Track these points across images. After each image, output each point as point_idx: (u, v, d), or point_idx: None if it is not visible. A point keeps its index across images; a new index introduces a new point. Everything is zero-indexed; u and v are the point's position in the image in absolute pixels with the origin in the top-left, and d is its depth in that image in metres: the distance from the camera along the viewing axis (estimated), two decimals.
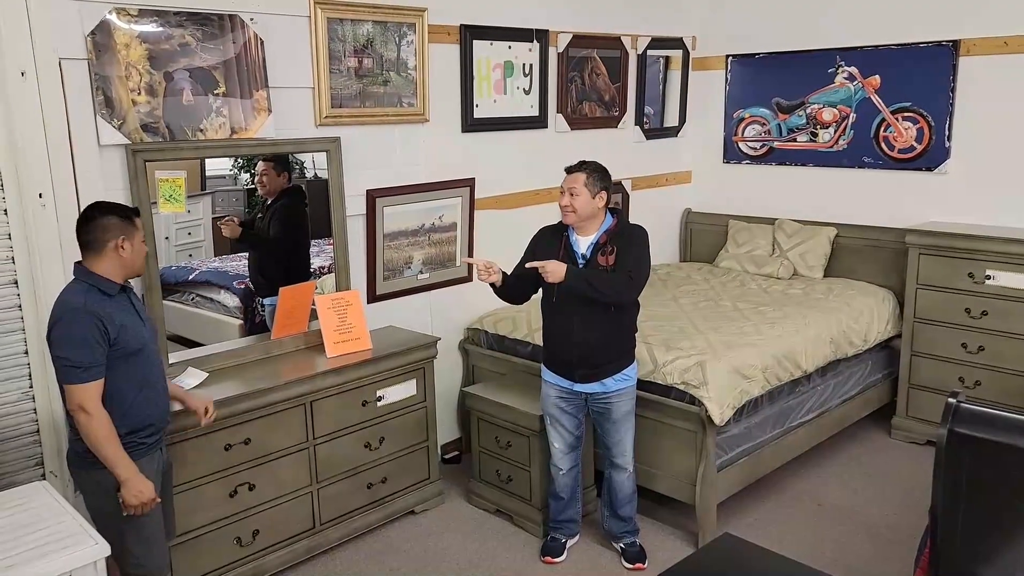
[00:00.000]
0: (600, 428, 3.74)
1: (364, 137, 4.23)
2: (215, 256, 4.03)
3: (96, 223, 2.77)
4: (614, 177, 5.49)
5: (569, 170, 3.56)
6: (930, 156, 5.10)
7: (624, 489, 3.76)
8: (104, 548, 2.39)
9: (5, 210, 3.24)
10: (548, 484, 3.92)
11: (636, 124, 5.76)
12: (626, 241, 3.52)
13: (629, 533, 3.83)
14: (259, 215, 4.05)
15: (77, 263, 2.82)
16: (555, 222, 3.72)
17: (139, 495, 2.75)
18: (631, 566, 3.77)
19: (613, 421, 3.65)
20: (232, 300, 4.04)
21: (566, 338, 3.59)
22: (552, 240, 3.62)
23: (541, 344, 4.39)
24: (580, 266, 3.52)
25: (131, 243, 2.80)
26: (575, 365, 3.60)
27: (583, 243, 3.55)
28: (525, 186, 5.05)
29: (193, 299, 3.95)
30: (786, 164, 5.79)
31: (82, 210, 2.88)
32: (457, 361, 4.92)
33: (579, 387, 3.63)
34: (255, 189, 3.99)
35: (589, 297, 3.43)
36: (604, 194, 3.53)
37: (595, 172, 3.53)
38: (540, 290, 3.69)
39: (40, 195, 3.25)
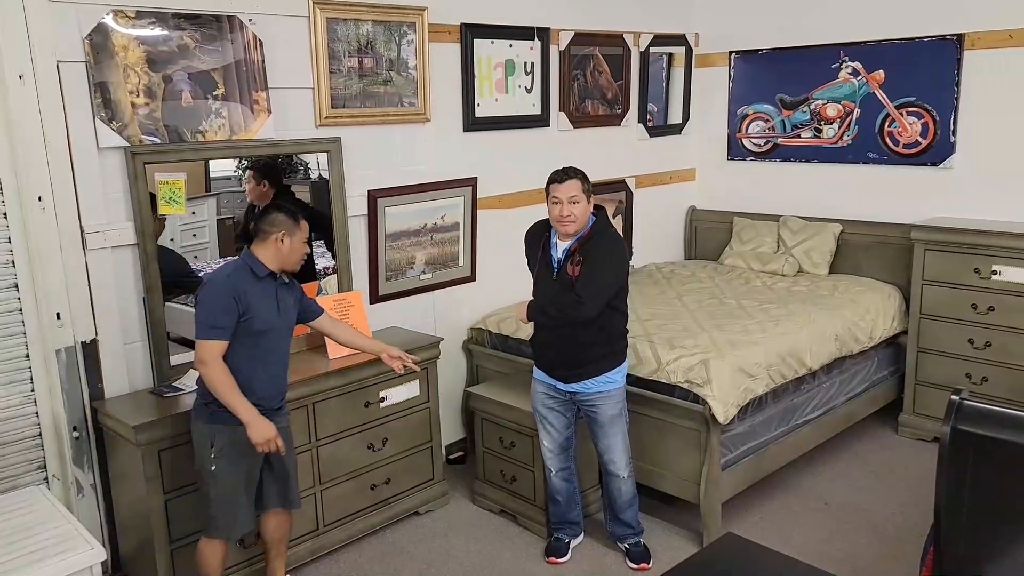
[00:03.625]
0: (591, 432, 3.73)
1: (365, 137, 4.22)
2: (220, 258, 4.01)
3: (269, 216, 3.16)
4: (618, 175, 5.56)
5: (560, 179, 3.48)
6: (935, 151, 5.06)
7: (621, 495, 3.74)
8: (100, 553, 2.39)
9: (5, 214, 3.25)
10: (547, 486, 3.91)
11: (639, 122, 5.74)
12: (592, 251, 3.45)
13: (633, 534, 3.82)
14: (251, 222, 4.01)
15: (244, 250, 3.19)
16: (534, 224, 3.74)
17: (261, 434, 3.03)
18: (635, 566, 3.76)
19: (600, 425, 3.64)
20: None
21: (547, 337, 3.61)
22: (536, 243, 3.63)
23: None
24: (554, 272, 3.52)
25: (291, 240, 3.15)
26: (555, 365, 3.61)
27: (560, 247, 3.55)
28: (527, 185, 5.03)
29: None
30: (790, 160, 5.76)
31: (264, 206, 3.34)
32: (461, 361, 4.91)
33: (562, 386, 3.63)
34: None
35: (554, 318, 3.50)
36: (593, 198, 3.53)
37: (586, 177, 3.51)
38: None
39: (40, 198, 3.26)
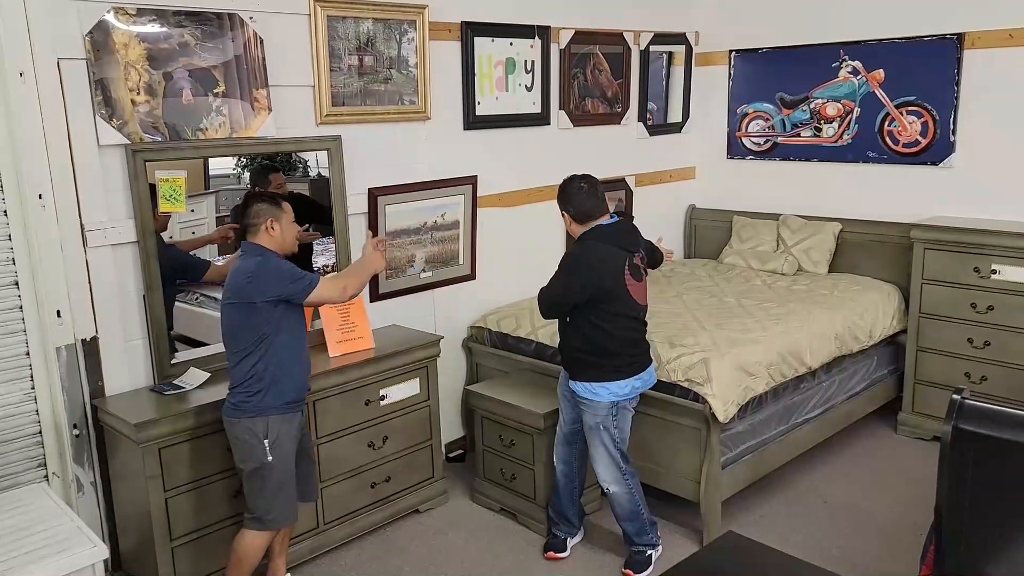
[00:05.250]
0: None
1: (365, 135, 4.22)
2: (219, 255, 4.01)
3: (250, 209, 3.18)
4: (618, 174, 5.55)
5: None
6: (935, 150, 5.06)
7: (613, 507, 3.71)
8: (102, 551, 2.39)
9: (5, 211, 3.24)
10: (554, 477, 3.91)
11: (639, 120, 5.74)
12: (562, 258, 3.59)
13: (632, 543, 3.74)
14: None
15: (243, 241, 3.22)
16: None
17: (378, 260, 3.44)
18: (623, 570, 3.73)
19: (584, 428, 3.65)
20: None
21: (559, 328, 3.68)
22: None
23: (544, 342, 4.42)
24: None
25: (279, 224, 3.19)
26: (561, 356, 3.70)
27: None
28: (528, 184, 5.04)
29: (197, 299, 3.94)
30: (790, 159, 5.76)
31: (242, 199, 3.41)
32: (460, 359, 4.91)
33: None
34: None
35: None
36: (566, 216, 3.54)
37: (559, 193, 3.56)
38: None
39: (40, 196, 3.25)
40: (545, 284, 3.55)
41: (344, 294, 3.29)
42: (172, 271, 3.67)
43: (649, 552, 3.74)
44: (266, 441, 3.14)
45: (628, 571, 3.70)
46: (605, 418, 3.55)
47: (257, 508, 3.22)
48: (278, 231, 3.19)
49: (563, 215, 3.55)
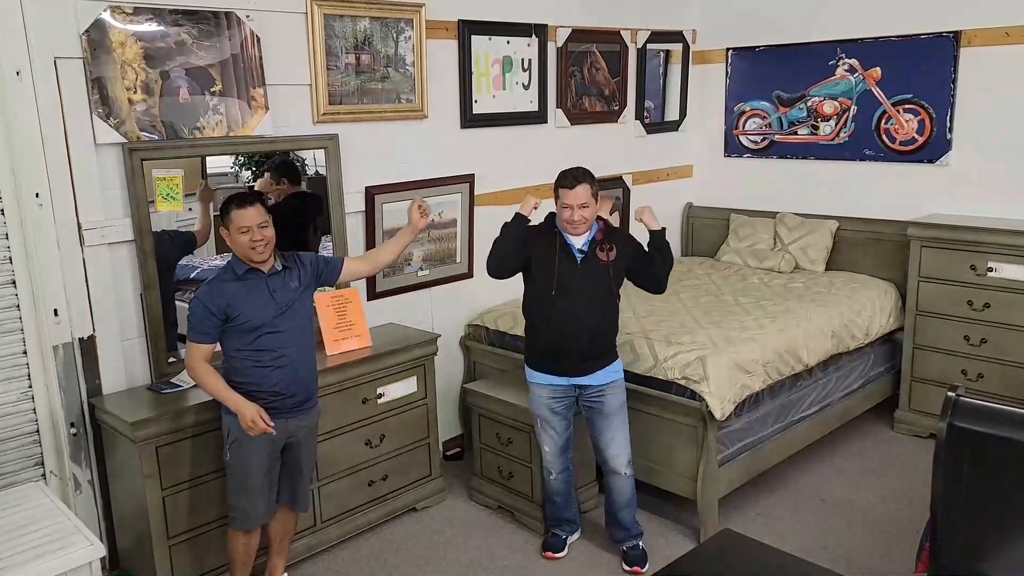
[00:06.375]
0: (593, 428, 3.70)
1: (363, 134, 4.22)
2: (216, 254, 4.01)
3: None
4: (615, 172, 5.57)
5: (570, 185, 3.48)
6: (932, 148, 5.07)
7: (622, 494, 3.72)
8: (99, 549, 2.40)
9: (2, 210, 3.24)
10: (544, 486, 3.91)
11: (636, 118, 5.74)
12: (621, 239, 3.64)
13: (630, 537, 3.78)
14: None
15: None
16: (539, 223, 3.71)
17: (243, 420, 3.05)
18: (629, 569, 3.73)
19: (605, 415, 3.62)
20: None
21: (571, 325, 3.51)
22: (545, 239, 3.60)
23: None
24: (579, 261, 3.54)
25: (228, 233, 3.10)
26: (574, 356, 3.54)
27: (579, 240, 3.56)
28: (525, 182, 5.03)
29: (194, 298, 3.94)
30: (787, 157, 5.76)
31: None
32: (458, 358, 4.91)
33: (574, 380, 3.59)
34: (254, 186, 3.97)
35: (661, 260, 3.63)
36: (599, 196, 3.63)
37: (594, 178, 3.56)
38: (526, 285, 3.70)
39: (37, 195, 3.25)
40: (663, 263, 3.63)
41: (191, 377, 3.18)
42: (176, 252, 3.73)
43: (640, 544, 3.79)
44: (227, 440, 3.18)
45: (636, 567, 3.71)
46: (625, 392, 3.70)
47: (228, 504, 3.28)
48: (229, 240, 3.12)
49: (598, 197, 3.58)
